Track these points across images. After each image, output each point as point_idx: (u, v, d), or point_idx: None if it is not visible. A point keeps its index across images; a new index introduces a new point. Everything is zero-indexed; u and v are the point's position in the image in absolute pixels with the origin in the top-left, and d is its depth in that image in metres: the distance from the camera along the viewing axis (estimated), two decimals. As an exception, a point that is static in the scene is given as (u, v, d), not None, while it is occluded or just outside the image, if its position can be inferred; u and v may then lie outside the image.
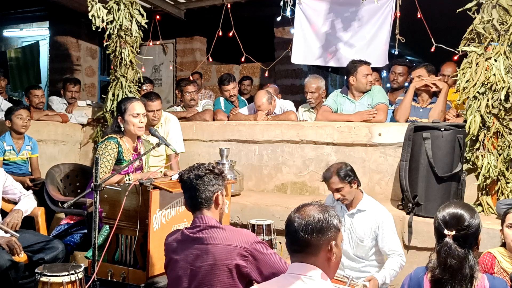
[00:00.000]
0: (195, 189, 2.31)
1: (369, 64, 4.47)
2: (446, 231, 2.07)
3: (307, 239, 1.75)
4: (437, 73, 4.62)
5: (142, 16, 5.05)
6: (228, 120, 5.00)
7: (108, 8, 4.80)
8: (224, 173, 2.43)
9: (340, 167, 3.07)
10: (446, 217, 2.10)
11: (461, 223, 2.06)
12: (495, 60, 3.59)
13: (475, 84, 3.64)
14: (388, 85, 5.55)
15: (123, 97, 4.81)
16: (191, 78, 7.01)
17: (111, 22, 4.82)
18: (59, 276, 2.39)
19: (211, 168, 2.36)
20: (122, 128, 3.52)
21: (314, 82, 4.88)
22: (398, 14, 5.02)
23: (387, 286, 2.98)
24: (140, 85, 5.30)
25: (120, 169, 3.29)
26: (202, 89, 6.90)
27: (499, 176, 3.64)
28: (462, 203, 2.20)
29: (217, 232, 2.22)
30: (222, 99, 5.32)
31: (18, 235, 3.23)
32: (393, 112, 4.44)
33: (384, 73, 5.35)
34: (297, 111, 5.14)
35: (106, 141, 3.46)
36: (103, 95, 5.41)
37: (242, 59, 6.21)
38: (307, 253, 1.77)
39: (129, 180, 3.38)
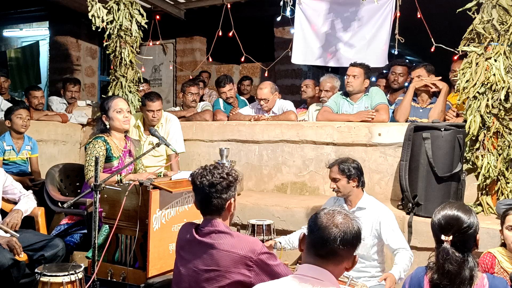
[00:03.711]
0: (207, 196, 2.22)
1: (354, 65, 4.45)
2: (443, 237, 2.01)
3: (339, 250, 1.72)
4: (447, 71, 4.60)
5: (142, 16, 5.05)
6: (228, 120, 5.01)
7: (108, 8, 4.80)
8: (238, 178, 2.31)
9: (346, 160, 3.13)
10: (442, 222, 2.03)
11: (460, 225, 2.01)
12: (495, 60, 3.59)
13: (475, 84, 3.64)
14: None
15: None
16: (202, 77, 7.04)
17: (111, 22, 4.83)
18: (59, 276, 2.39)
19: (225, 176, 2.23)
20: (108, 126, 3.57)
21: (329, 81, 4.92)
22: (398, 14, 5.02)
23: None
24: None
25: (118, 170, 3.29)
26: (205, 89, 6.90)
27: (499, 176, 3.64)
28: (456, 204, 2.12)
29: (224, 238, 2.17)
30: (221, 100, 5.35)
31: (18, 235, 3.23)
32: (393, 112, 4.44)
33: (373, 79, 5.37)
34: (299, 109, 5.13)
35: (93, 140, 3.51)
36: (103, 95, 5.41)
37: (242, 59, 6.20)
38: (330, 260, 1.73)
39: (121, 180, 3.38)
